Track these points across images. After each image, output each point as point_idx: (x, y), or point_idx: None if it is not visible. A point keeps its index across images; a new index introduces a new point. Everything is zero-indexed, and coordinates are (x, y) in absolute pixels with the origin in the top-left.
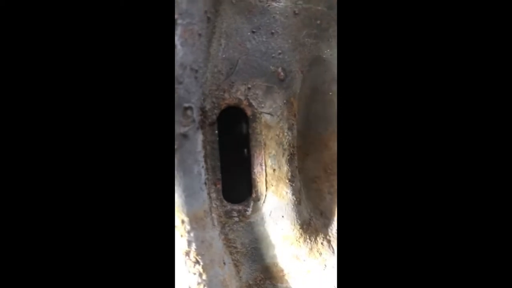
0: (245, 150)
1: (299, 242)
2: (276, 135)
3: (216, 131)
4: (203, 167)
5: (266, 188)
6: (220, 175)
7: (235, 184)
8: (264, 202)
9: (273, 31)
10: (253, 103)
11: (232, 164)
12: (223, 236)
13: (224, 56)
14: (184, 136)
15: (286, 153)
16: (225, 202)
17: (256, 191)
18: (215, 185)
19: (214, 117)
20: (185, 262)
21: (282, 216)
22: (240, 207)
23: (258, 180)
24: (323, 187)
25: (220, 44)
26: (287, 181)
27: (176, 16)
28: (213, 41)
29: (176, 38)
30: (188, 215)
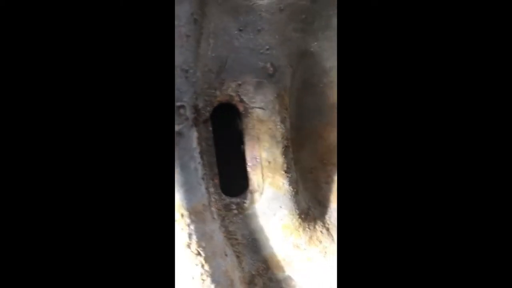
0: (241, 145)
1: (299, 231)
2: (269, 128)
3: (210, 128)
4: (199, 163)
5: (263, 180)
6: (217, 170)
7: (234, 178)
8: (261, 193)
9: (259, 28)
10: (244, 98)
11: (230, 158)
12: (223, 229)
13: (213, 55)
14: (179, 134)
15: (280, 145)
16: (223, 195)
17: (253, 184)
18: (213, 180)
19: (207, 114)
20: (187, 254)
21: (280, 207)
22: (238, 200)
23: (254, 173)
24: (319, 177)
25: (209, 44)
26: (283, 172)
27: None
28: (201, 41)
29: None
30: (187, 209)
